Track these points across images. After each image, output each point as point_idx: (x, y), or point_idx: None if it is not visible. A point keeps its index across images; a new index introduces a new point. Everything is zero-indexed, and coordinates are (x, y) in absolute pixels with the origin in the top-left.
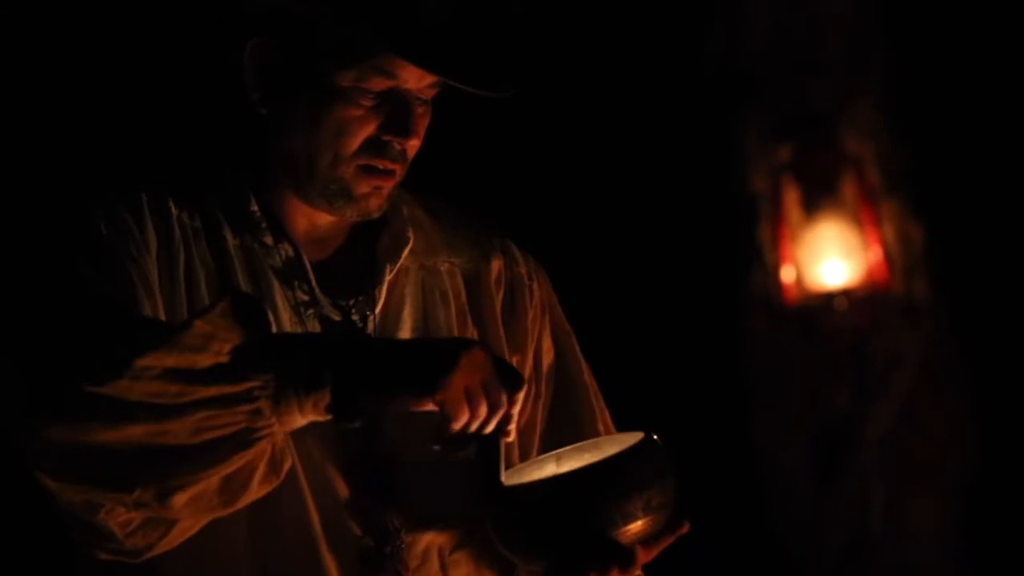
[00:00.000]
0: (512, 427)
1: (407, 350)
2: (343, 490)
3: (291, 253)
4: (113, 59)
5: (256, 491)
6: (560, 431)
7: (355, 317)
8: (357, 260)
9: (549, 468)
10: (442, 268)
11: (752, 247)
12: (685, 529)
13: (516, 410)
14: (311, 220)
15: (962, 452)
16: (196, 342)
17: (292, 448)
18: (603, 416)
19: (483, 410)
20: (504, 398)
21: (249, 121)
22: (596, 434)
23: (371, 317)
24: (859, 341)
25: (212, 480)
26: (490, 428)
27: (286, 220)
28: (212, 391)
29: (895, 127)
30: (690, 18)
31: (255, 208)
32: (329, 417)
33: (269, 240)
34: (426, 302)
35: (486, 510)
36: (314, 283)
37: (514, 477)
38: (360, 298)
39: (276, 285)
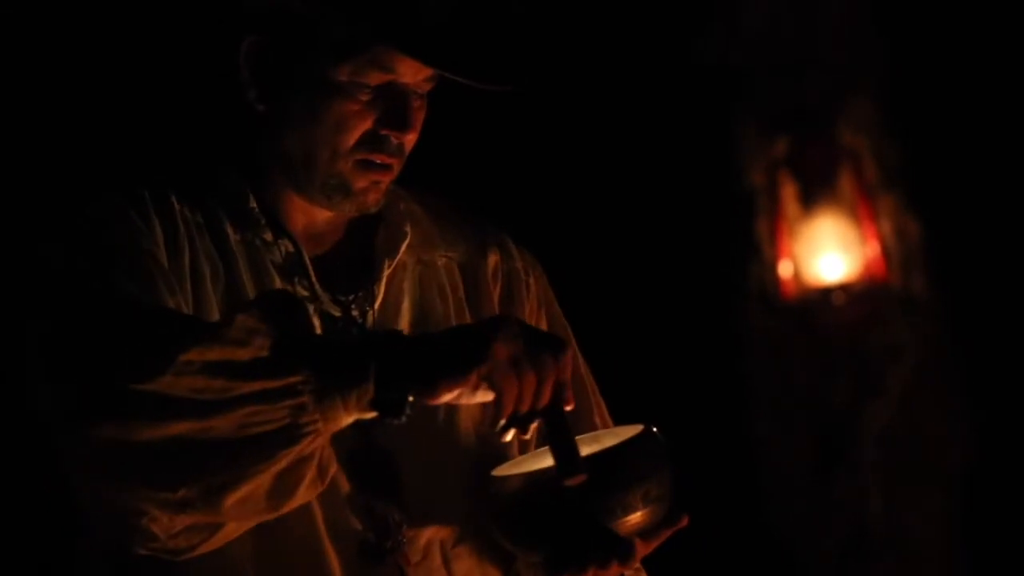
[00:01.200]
0: (569, 394)
1: (444, 336)
2: (345, 485)
3: (291, 249)
4: (111, 59)
5: (302, 496)
6: None
7: (354, 312)
8: (355, 255)
9: (548, 460)
10: (439, 262)
11: (749, 241)
12: (684, 522)
13: (567, 375)
14: (309, 216)
15: (960, 446)
16: (238, 336)
17: None
18: (600, 410)
19: (531, 377)
20: (551, 362)
21: (246, 119)
22: (593, 427)
23: (370, 312)
24: (857, 335)
25: (261, 482)
26: (545, 399)
27: (284, 216)
28: (255, 386)
29: (892, 121)
30: (687, 13)
31: (253, 205)
32: (375, 414)
33: (269, 236)
34: (424, 296)
35: (487, 500)
36: (314, 278)
37: (513, 469)
38: (359, 293)
39: (277, 281)
